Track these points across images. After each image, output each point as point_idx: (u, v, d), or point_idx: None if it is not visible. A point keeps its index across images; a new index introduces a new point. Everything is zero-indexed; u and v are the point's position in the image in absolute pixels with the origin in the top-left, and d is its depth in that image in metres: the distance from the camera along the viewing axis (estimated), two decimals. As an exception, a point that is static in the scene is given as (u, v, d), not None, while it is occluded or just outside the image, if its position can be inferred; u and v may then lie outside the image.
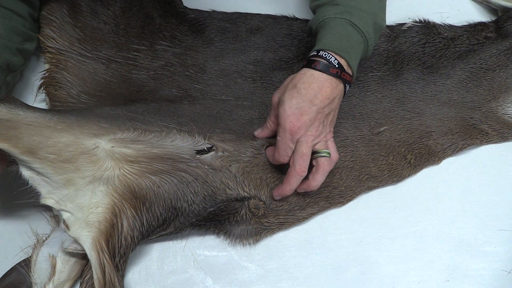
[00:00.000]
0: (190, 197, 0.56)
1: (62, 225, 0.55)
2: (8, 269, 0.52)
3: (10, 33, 0.61)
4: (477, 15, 0.79)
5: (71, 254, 0.53)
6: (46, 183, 0.51)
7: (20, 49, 0.62)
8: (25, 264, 0.52)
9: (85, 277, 0.53)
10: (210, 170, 0.57)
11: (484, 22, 0.76)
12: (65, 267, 0.53)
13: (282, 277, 0.55)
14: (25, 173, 0.50)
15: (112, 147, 0.52)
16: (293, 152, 0.55)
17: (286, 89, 0.55)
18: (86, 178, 0.51)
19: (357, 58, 0.57)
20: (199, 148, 0.57)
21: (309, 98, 0.54)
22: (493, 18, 0.78)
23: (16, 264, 0.53)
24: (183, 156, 0.56)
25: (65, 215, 0.52)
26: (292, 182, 0.55)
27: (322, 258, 0.57)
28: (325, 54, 0.55)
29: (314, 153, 0.55)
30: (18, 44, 0.62)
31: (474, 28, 0.75)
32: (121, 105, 0.60)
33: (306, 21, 0.75)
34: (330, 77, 0.54)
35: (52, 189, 0.51)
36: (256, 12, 0.75)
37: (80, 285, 0.53)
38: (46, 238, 0.55)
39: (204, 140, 0.57)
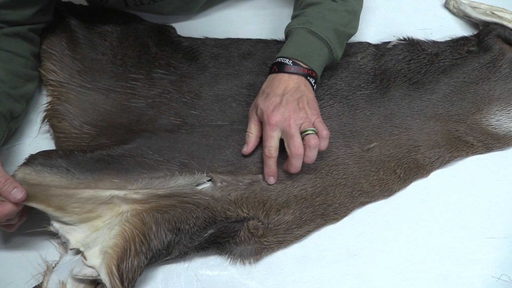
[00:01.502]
0: (192, 220, 0.59)
1: (69, 250, 0.58)
2: (20, 298, 0.55)
3: (12, 78, 0.64)
4: (459, 29, 0.83)
5: (80, 280, 0.56)
6: (74, 231, 0.58)
7: (22, 94, 0.66)
8: (37, 291, 0.55)
9: (94, 302, 0.56)
10: (211, 200, 0.61)
11: (466, 37, 0.80)
12: (75, 292, 0.55)
13: (282, 293, 0.58)
14: (55, 225, 0.58)
15: (125, 195, 0.59)
16: (284, 140, 0.61)
17: (258, 97, 0.65)
18: (106, 221, 0.59)
19: (319, 61, 0.66)
20: (199, 182, 0.62)
21: (277, 93, 0.62)
22: (475, 32, 0.81)
23: (28, 292, 0.55)
24: (185, 192, 0.61)
25: (84, 250, 0.56)
26: (294, 163, 0.60)
27: (319, 272, 0.59)
28: (282, 59, 0.65)
29: (302, 134, 0.61)
30: (20, 87, 0.65)
31: (456, 43, 0.79)
32: (128, 146, 0.64)
33: (295, 44, 0.78)
34: (288, 74, 0.64)
35: (79, 234, 0.58)
36: (247, 37, 0.79)
37: (90, 309, 0.56)
38: (55, 265, 0.57)
39: (203, 174, 0.62)
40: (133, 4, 0.77)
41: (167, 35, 0.78)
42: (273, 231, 0.61)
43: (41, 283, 0.56)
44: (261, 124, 0.64)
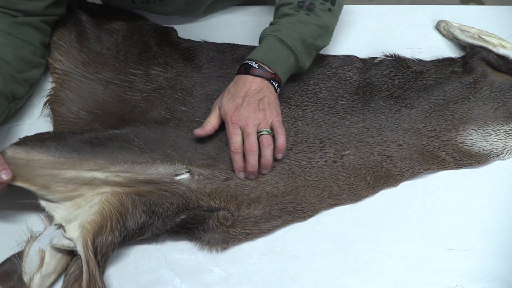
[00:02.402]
0: (167, 205, 0.64)
1: (53, 224, 0.63)
2: (4, 259, 0.60)
3: (18, 63, 0.70)
4: (447, 50, 0.86)
5: (58, 249, 0.61)
6: (58, 208, 0.63)
7: (26, 78, 0.72)
8: (19, 256, 0.60)
9: (69, 271, 0.61)
10: (187, 190, 0.65)
11: (452, 58, 0.83)
12: (52, 260, 0.60)
13: (243, 281, 0.61)
14: (42, 202, 0.63)
15: (106, 177, 0.64)
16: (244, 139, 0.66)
17: (223, 95, 0.69)
18: (87, 199, 0.63)
19: (284, 67, 0.71)
20: (178, 173, 0.67)
21: (240, 95, 0.68)
22: (462, 54, 0.84)
23: (11, 255, 0.60)
24: (164, 180, 0.66)
25: (65, 224, 0.61)
26: (249, 160, 0.65)
27: (281, 266, 0.63)
28: (249, 62, 0.70)
29: (258, 134, 0.66)
30: (25, 72, 0.71)
31: (442, 63, 0.82)
32: (117, 131, 0.69)
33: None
34: (253, 76, 0.69)
35: (62, 211, 0.63)
36: (243, 44, 0.84)
37: (64, 277, 0.60)
38: (39, 235, 0.63)
39: (183, 165, 0.67)
40: (140, 2, 0.83)
41: (168, 36, 0.84)
42: (241, 223, 0.65)
43: (24, 249, 0.61)
44: (222, 120, 0.69)
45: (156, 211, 0.63)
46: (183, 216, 0.63)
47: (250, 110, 0.67)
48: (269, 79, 0.69)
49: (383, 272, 0.63)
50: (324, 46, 0.76)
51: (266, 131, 0.66)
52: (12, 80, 0.69)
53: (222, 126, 0.70)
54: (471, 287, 0.62)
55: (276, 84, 0.70)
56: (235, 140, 0.66)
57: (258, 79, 0.69)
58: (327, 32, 0.75)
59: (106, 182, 0.64)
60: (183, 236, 0.64)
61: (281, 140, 0.67)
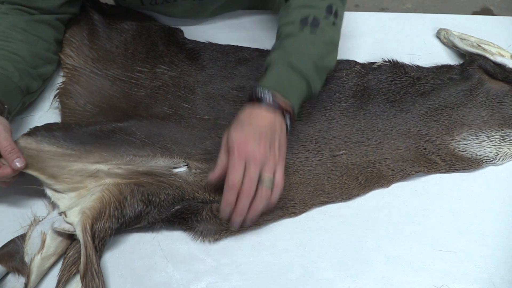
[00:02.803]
0: (164, 196, 0.67)
1: (57, 210, 0.67)
2: (8, 241, 0.63)
3: (33, 58, 0.74)
4: (447, 58, 0.87)
5: (59, 233, 0.64)
6: (63, 198, 0.66)
7: (40, 74, 0.76)
8: (22, 238, 0.63)
9: (68, 254, 0.64)
10: (184, 183, 0.68)
11: (450, 65, 0.84)
12: (53, 243, 0.63)
13: (233, 271, 0.63)
14: (48, 192, 0.66)
15: (109, 169, 0.67)
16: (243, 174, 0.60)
17: (232, 126, 0.64)
18: (90, 190, 0.67)
19: (297, 94, 0.67)
20: (177, 166, 0.70)
21: (251, 126, 0.62)
22: (461, 62, 0.86)
23: (15, 237, 0.64)
24: (162, 172, 0.69)
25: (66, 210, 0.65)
26: (241, 204, 0.60)
27: (270, 259, 0.65)
28: (262, 92, 0.65)
29: (259, 178, 0.61)
30: (40, 67, 0.75)
31: (440, 69, 0.83)
32: (120, 124, 0.72)
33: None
34: (266, 108, 0.64)
35: (67, 201, 0.66)
36: (246, 46, 0.87)
37: (63, 259, 0.63)
38: (42, 219, 0.66)
39: (182, 159, 0.70)
40: (148, 3, 0.87)
41: (174, 36, 0.87)
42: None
43: (27, 232, 0.64)
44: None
45: (153, 200, 0.66)
46: (178, 207, 0.66)
47: (261, 146, 0.60)
48: (282, 113, 0.65)
49: (369, 269, 0.64)
50: (333, 66, 0.73)
51: (269, 180, 0.60)
52: (27, 75, 0.73)
53: (218, 123, 0.73)
54: (457, 287, 0.63)
55: (289, 119, 0.66)
56: (236, 175, 0.59)
57: (272, 113, 0.64)
58: (334, 48, 0.73)
59: (108, 174, 0.67)
60: (177, 226, 0.67)
61: (275, 197, 0.62)
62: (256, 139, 0.61)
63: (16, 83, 0.71)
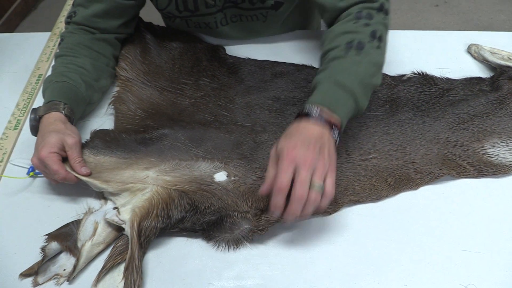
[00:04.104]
0: (207, 205, 0.71)
1: (110, 203, 0.74)
2: (65, 224, 0.71)
3: (96, 72, 0.85)
4: (477, 71, 0.90)
5: (109, 224, 0.70)
6: (119, 197, 0.73)
7: (101, 86, 0.86)
8: (77, 224, 0.71)
9: (117, 243, 0.70)
10: (225, 192, 0.72)
11: (480, 77, 0.87)
12: (103, 232, 0.70)
13: (262, 261, 0.67)
14: (106, 194, 0.75)
15: (157, 176, 0.73)
16: (293, 178, 0.60)
17: (281, 138, 0.65)
18: (142, 191, 0.72)
19: (344, 109, 0.68)
20: (217, 172, 0.74)
21: (300, 136, 0.63)
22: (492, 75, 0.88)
23: (70, 222, 0.71)
24: (205, 180, 0.73)
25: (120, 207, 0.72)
26: (294, 208, 0.60)
27: (298, 252, 0.67)
28: (309, 107, 0.67)
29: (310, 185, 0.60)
30: (100, 80, 0.86)
31: (469, 81, 0.86)
32: (165, 131, 0.80)
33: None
34: (313, 121, 0.65)
35: (122, 199, 0.73)
36: (282, 61, 0.94)
37: (112, 247, 0.70)
38: (95, 211, 0.74)
39: (221, 164, 0.75)
40: (193, 27, 0.97)
41: (217, 52, 0.96)
42: (268, 219, 0.70)
43: (81, 219, 0.72)
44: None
45: (198, 207, 0.70)
46: (212, 217, 0.70)
47: (310, 151, 0.61)
48: (330, 127, 0.65)
49: (395, 266, 0.66)
50: (378, 84, 0.74)
51: (319, 186, 0.60)
52: (91, 87, 0.83)
53: (254, 129, 0.78)
54: (483, 287, 0.63)
55: (337, 133, 0.66)
56: (285, 177, 0.59)
57: (320, 126, 0.64)
58: (379, 69, 0.74)
59: (156, 180, 0.73)
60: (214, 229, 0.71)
61: (325, 204, 0.61)
62: (305, 144, 0.61)
63: (83, 93, 0.81)
